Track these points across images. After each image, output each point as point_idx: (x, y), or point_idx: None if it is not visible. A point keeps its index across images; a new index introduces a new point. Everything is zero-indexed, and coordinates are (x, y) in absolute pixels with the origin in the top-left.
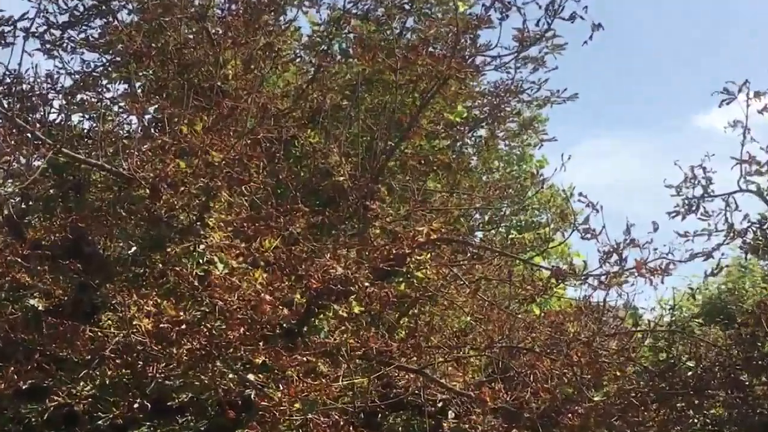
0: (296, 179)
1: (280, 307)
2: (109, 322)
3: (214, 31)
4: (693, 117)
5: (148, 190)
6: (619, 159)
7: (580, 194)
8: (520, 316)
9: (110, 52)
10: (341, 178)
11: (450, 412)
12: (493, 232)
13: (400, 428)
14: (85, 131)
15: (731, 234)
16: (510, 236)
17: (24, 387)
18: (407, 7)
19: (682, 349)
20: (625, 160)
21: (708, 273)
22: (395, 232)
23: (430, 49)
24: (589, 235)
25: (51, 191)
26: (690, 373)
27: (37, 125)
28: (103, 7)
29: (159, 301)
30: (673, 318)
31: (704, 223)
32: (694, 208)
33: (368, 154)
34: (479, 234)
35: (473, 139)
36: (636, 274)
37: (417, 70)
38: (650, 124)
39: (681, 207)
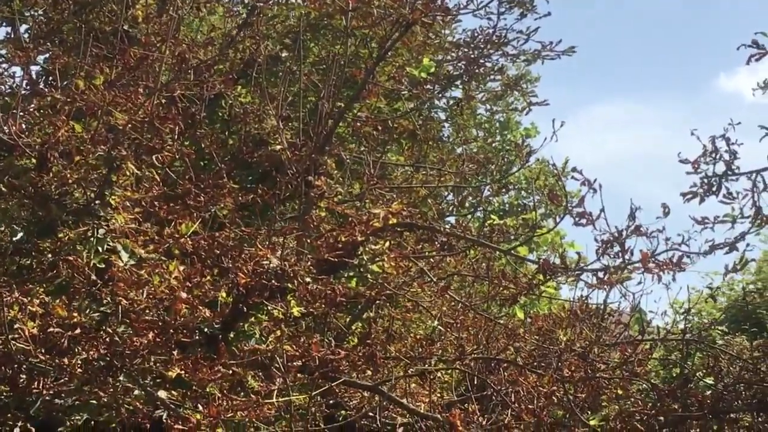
0: (222, 148)
1: (200, 307)
2: None
3: None
4: (715, 79)
5: (34, 160)
6: (629, 129)
7: (574, 170)
8: (500, 320)
9: None
10: (278, 147)
11: None
12: (468, 216)
13: None
14: None
15: (760, 220)
16: (489, 222)
17: None
18: None
19: (699, 363)
20: (637, 129)
21: (731, 268)
22: (345, 215)
23: None
24: (584, 221)
25: None
26: (709, 392)
27: None
28: None
29: (47, 299)
30: (689, 324)
31: (727, 207)
32: (714, 189)
33: (313, 118)
34: (451, 219)
35: (445, 101)
36: (642, 269)
37: (374, 13)
38: (667, 87)
39: (699, 187)
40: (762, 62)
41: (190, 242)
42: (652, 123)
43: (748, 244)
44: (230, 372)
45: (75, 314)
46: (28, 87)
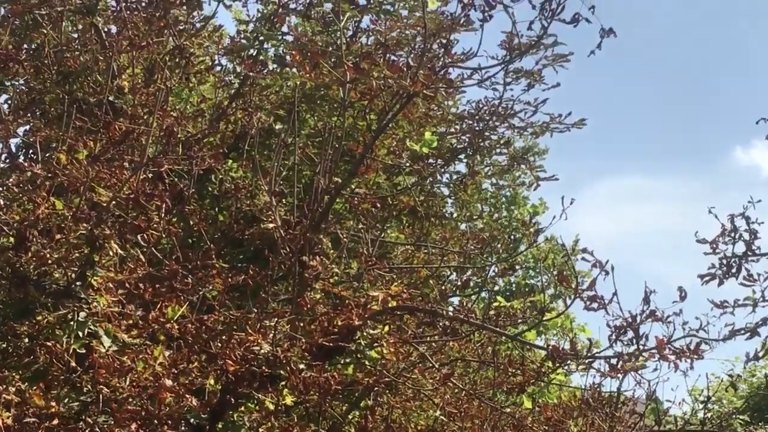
0: (212, 226)
1: (187, 395)
2: None
3: (106, 29)
4: (731, 151)
5: (12, 239)
6: (643, 202)
7: (584, 250)
8: (506, 410)
9: None
10: (271, 225)
11: None
12: (473, 298)
13: None
14: None
15: None
16: (495, 304)
17: None
18: (363, 1)
19: None
20: (652, 203)
21: (752, 356)
22: (342, 297)
23: (392, 56)
24: (595, 305)
25: None
26: None
27: None
28: None
29: (23, 386)
30: (709, 414)
31: (747, 289)
32: (734, 271)
33: (308, 194)
34: (454, 301)
35: (448, 176)
36: (658, 356)
37: (373, 85)
38: (682, 159)
39: (717, 268)
40: None
41: (176, 326)
42: (667, 196)
43: None
44: None
45: (53, 403)
46: (7, 161)
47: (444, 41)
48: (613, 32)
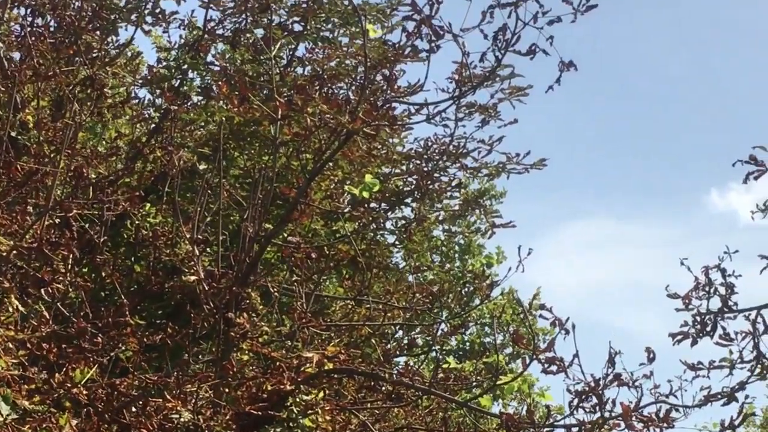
0: (126, 278)
1: None
2: None
3: (8, 56)
4: (706, 195)
5: None
6: (610, 249)
7: (542, 306)
8: None
9: None
10: (194, 278)
11: None
12: (420, 359)
13: None
14: None
15: (761, 368)
16: (445, 366)
17: None
18: (298, 27)
19: None
20: (620, 250)
21: (728, 423)
22: (272, 358)
23: (331, 89)
24: (554, 368)
25: None
26: None
27: None
28: None
29: None
30: None
31: (724, 349)
32: (709, 329)
33: (235, 243)
34: (399, 362)
35: (393, 222)
36: (624, 425)
37: (308, 121)
38: (653, 204)
39: (691, 326)
40: (760, 180)
41: (84, 392)
42: (638, 243)
43: (747, 396)
44: None
45: None
46: None
47: (387, 73)
48: (574, 65)
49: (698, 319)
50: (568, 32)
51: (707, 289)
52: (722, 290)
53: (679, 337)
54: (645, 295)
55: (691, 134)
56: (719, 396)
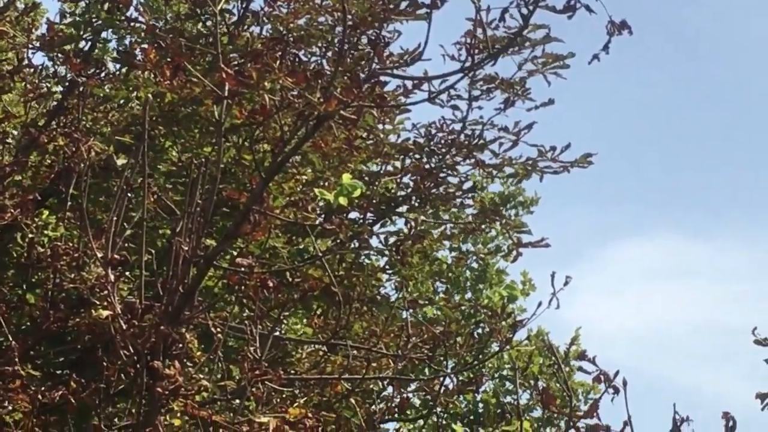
0: (15, 313)
1: None
2: None
3: None
4: None
5: None
6: (674, 277)
7: (583, 356)
8: None
9: None
10: (106, 313)
11: None
12: (418, 424)
13: None
14: None
15: None
16: None
17: None
18: None
19: None
20: (687, 279)
21: None
22: (214, 423)
23: (297, 56)
24: None
25: None
26: None
27: None
28: None
29: None
30: None
31: None
32: None
33: (164, 265)
34: (388, 429)
35: (383, 238)
36: None
37: (264, 100)
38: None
39: None
40: None
41: None
42: (711, 272)
43: None
44: None
45: None
46: None
47: (374, 35)
48: (627, 27)
49: None
50: None
51: None
52: None
53: None
54: (722, 341)
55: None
56: None
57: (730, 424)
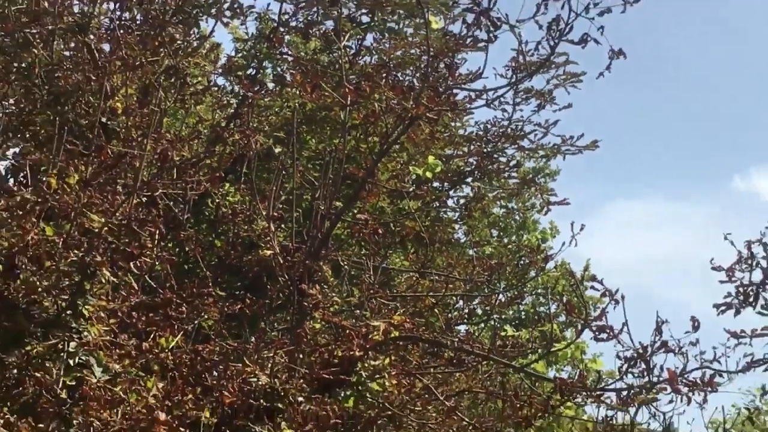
0: (208, 252)
1: (181, 428)
2: None
3: (98, 48)
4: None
5: (0, 266)
6: (656, 226)
7: (593, 278)
8: None
9: None
10: (270, 252)
11: None
12: (480, 327)
13: None
14: None
15: None
16: (503, 334)
17: None
18: (365, 19)
19: None
20: (666, 227)
21: None
22: (342, 327)
23: (396, 77)
24: (604, 335)
25: None
26: None
27: None
28: None
29: (12, 419)
30: None
31: (766, 319)
32: (751, 299)
33: (308, 220)
34: (460, 330)
35: (455, 200)
36: (670, 388)
37: (375, 107)
38: (692, 184)
39: (734, 297)
40: None
41: (170, 357)
42: (680, 221)
43: None
44: None
45: None
46: None
47: (449, 62)
48: (623, 53)
49: (741, 290)
50: (618, 21)
51: (750, 262)
52: (764, 263)
53: (723, 307)
54: (690, 268)
55: (733, 116)
56: (761, 362)
57: (696, 324)
